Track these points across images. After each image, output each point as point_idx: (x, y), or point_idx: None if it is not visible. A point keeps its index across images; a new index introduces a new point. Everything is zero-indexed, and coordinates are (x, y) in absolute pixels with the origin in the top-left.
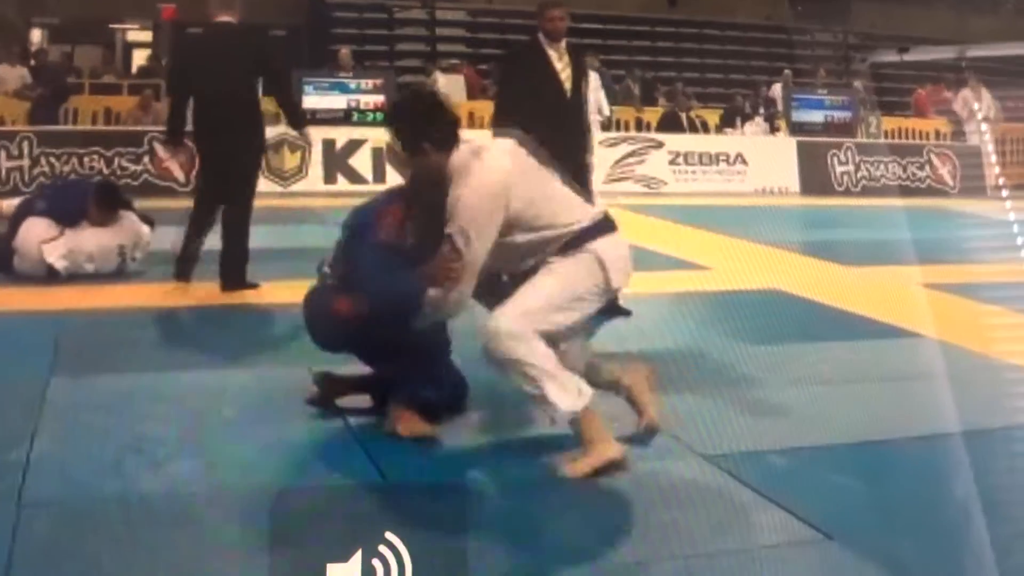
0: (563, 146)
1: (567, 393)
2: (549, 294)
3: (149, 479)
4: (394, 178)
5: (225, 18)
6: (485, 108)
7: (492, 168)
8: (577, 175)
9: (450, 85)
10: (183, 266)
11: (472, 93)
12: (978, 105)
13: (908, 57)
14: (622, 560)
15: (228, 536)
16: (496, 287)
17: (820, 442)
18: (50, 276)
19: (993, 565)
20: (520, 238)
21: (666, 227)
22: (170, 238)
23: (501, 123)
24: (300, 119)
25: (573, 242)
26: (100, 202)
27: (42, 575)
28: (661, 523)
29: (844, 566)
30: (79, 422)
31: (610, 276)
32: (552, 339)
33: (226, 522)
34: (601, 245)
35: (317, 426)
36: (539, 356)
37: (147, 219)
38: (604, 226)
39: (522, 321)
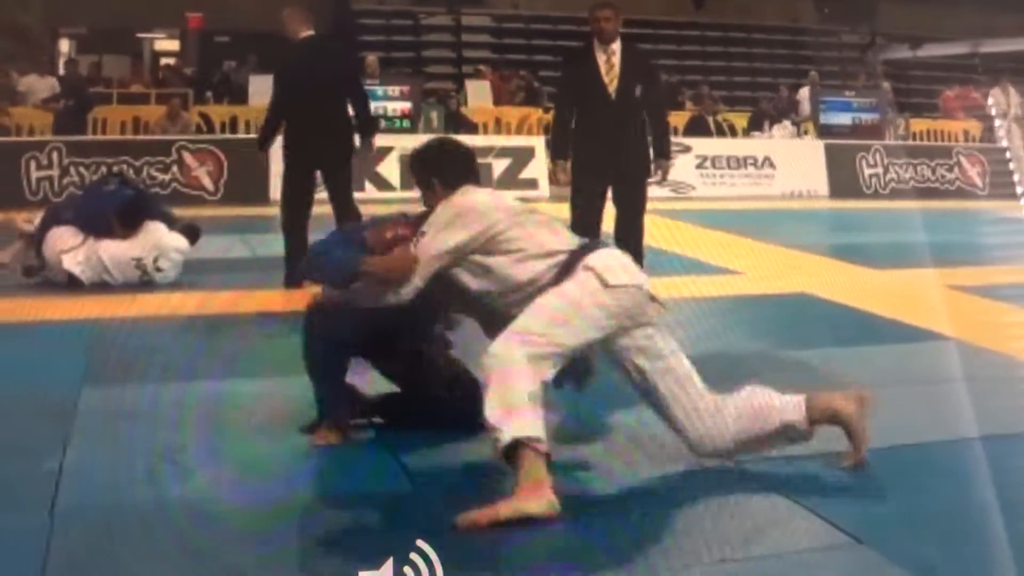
0: (606, 146)
1: (511, 420)
2: (544, 311)
3: (180, 488)
4: None
5: (308, 32)
6: (511, 114)
7: (468, 195)
8: (628, 180)
9: (476, 91)
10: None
11: (498, 99)
12: (1008, 104)
13: (933, 55)
14: (653, 567)
15: (258, 545)
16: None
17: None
18: (71, 284)
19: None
20: (510, 264)
21: (694, 232)
22: (204, 247)
23: (556, 129)
24: (373, 128)
25: (565, 266)
26: (119, 216)
27: None
28: (693, 530)
29: (874, 570)
30: (111, 431)
31: (604, 276)
32: (566, 357)
33: (256, 531)
34: (590, 257)
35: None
36: (512, 378)
37: (193, 229)
38: (594, 245)
39: (516, 341)
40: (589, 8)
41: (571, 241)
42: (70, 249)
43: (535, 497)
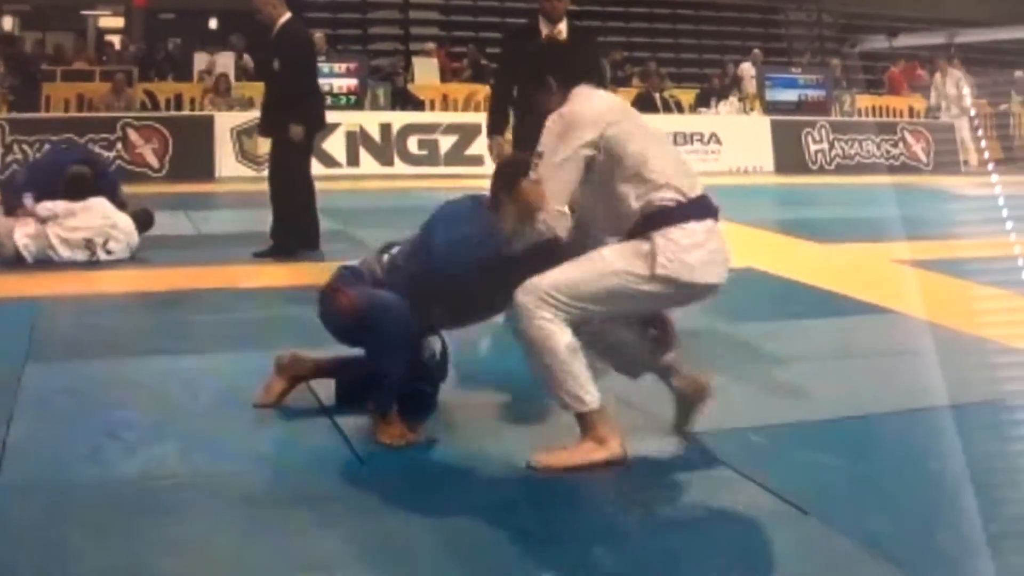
0: None
1: (580, 391)
2: (580, 269)
3: (125, 464)
4: (367, 162)
5: (287, 16)
6: (459, 90)
7: (578, 101)
8: None
9: (423, 68)
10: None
11: (445, 76)
12: (943, 84)
13: (909, 44)
14: (599, 536)
15: (204, 521)
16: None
17: (798, 419)
18: (18, 261)
19: (970, 536)
20: (625, 188)
21: None
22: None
23: (495, 105)
24: None
25: (662, 216)
26: (67, 190)
27: (19, 559)
28: (639, 499)
29: (819, 541)
30: (55, 407)
31: (656, 261)
32: (585, 320)
33: (202, 507)
34: (671, 230)
35: (294, 411)
36: (560, 345)
37: (146, 215)
38: (698, 208)
39: (544, 297)
40: None
41: (691, 185)
42: (19, 224)
43: (603, 448)
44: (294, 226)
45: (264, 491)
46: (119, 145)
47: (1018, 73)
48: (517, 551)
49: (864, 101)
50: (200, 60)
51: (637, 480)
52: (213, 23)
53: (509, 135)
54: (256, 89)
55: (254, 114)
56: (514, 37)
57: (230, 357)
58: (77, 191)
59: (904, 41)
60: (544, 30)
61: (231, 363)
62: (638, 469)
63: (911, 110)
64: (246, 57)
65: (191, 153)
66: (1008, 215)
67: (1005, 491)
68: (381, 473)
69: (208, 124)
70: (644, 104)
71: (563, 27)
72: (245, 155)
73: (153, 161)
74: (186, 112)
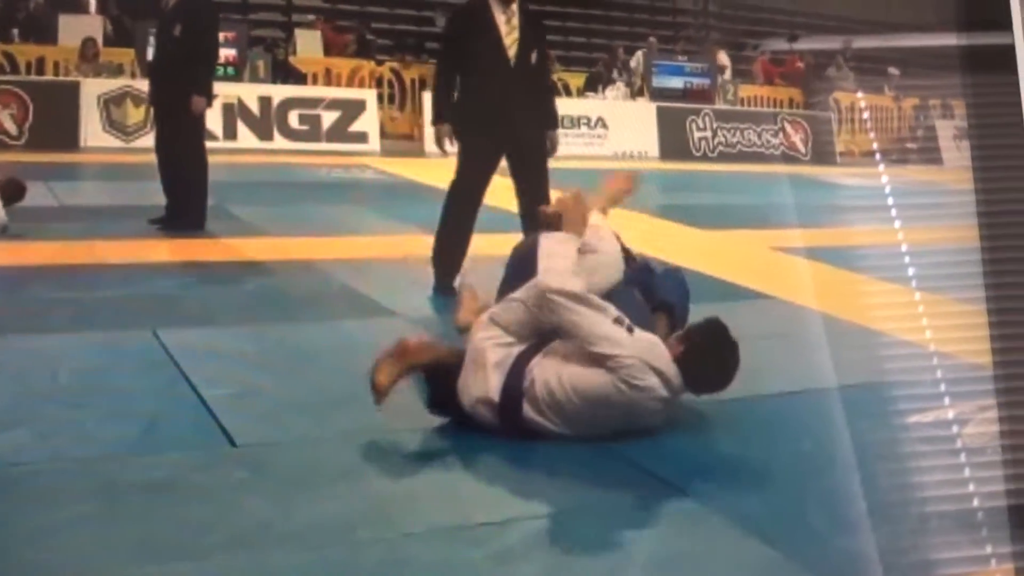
0: (505, 117)
1: None
2: None
3: None
4: (245, 136)
5: None
6: (343, 65)
7: None
8: (527, 151)
9: (306, 40)
10: None
11: (329, 50)
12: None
13: (809, 48)
14: (484, 521)
15: (65, 509)
16: None
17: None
18: None
19: (841, 514)
20: None
21: None
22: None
23: (439, 91)
24: None
25: None
26: None
27: None
28: (515, 478)
29: (697, 521)
30: None
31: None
32: None
33: (62, 494)
34: None
35: (162, 392)
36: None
37: (16, 185)
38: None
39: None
40: None
41: None
42: None
43: None
44: (186, 202)
45: (128, 477)
46: None
47: (891, 69)
48: (380, 548)
49: (747, 91)
50: (67, 22)
51: (516, 458)
52: None
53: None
54: (126, 55)
55: (124, 81)
56: (460, 18)
57: (98, 336)
58: None
59: (804, 44)
60: (497, 12)
61: (98, 343)
62: (518, 448)
63: (791, 101)
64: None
65: (54, 121)
66: (877, 205)
67: (876, 471)
68: (253, 455)
69: (73, 90)
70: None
71: (515, 8)
72: (113, 124)
73: (11, 128)
74: (49, 77)
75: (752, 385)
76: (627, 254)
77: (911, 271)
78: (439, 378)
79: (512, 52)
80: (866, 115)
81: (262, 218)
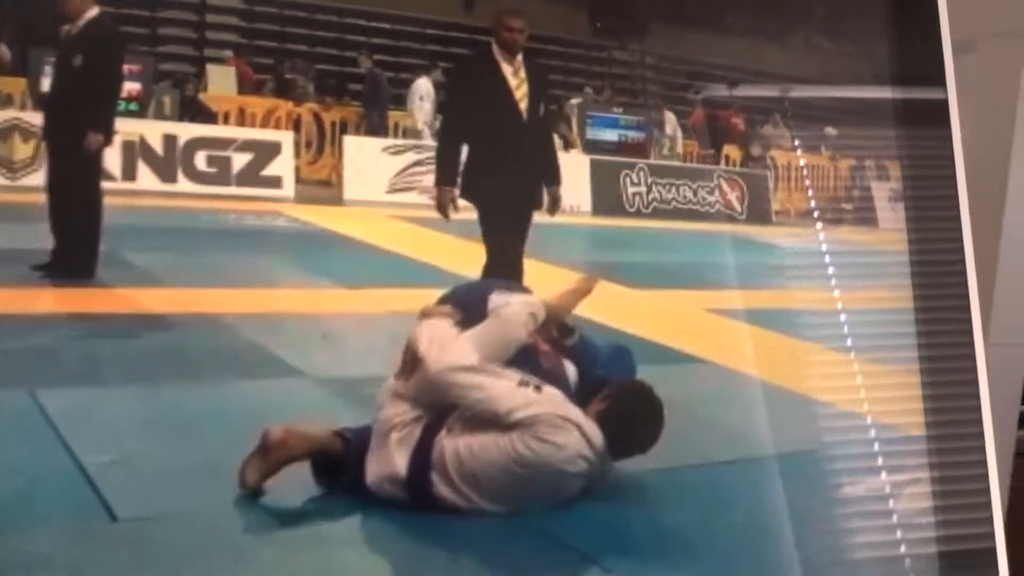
0: (521, 175)
1: None
2: None
3: None
4: (146, 177)
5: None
6: (258, 104)
7: None
8: (531, 202)
9: (219, 77)
10: None
11: (243, 88)
12: (766, 130)
13: (747, 95)
14: None
15: None
16: None
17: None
18: None
19: None
20: None
21: (454, 244)
22: None
23: (445, 149)
24: None
25: None
26: None
27: None
28: (419, 555)
29: None
30: None
31: None
32: None
33: None
34: None
35: (36, 460)
36: None
37: None
38: None
39: None
40: (495, 14)
41: None
42: None
43: None
44: (76, 246)
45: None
46: None
47: (828, 129)
48: None
49: (684, 147)
50: None
51: (427, 533)
52: None
53: None
54: (16, 85)
55: (12, 113)
56: (466, 67)
57: None
58: None
59: (744, 91)
60: (504, 64)
61: None
62: (428, 521)
63: (727, 159)
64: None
65: None
66: (813, 264)
67: (809, 539)
68: (135, 530)
69: None
70: None
71: (520, 59)
72: None
73: None
74: None
75: (681, 453)
76: (562, 329)
77: (847, 334)
78: (325, 465)
79: (524, 106)
80: (804, 173)
81: (161, 267)
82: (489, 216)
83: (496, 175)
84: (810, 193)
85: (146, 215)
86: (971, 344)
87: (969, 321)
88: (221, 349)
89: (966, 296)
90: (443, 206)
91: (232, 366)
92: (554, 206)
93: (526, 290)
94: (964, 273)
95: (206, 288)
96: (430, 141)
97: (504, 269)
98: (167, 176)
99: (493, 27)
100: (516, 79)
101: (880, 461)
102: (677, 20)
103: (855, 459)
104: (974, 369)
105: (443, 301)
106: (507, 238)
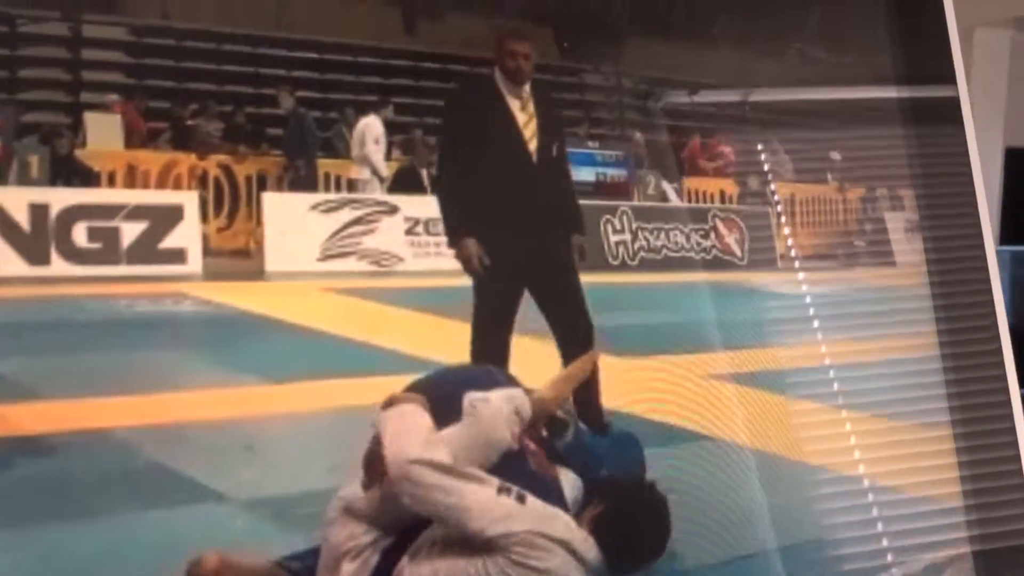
0: (524, 227)
1: None
2: None
3: None
4: (8, 260)
5: None
6: (150, 160)
7: None
8: (554, 265)
9: (101, 127)
10: None
11: (132, 139)
12: (764, 159)
13: (708, 100)
14: None
15: None
16: None
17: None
18: None
19: None
20: None
21: (401, 316)
22: None
23: (448, 193)
24: None
25: None
26: None
27: None
28: None
29: None
30: None
31: None
32: None
33: None
34: None
35: None
36: None
37: None
38: None
39: None
40: (498, 35)
41: None
42: None
43: None
44: None
45: None
46: None
47: (833, 154)
48: None
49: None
50: None
51: None
52: None
53: None
54: None
55: None
56: (463, 103)
57: None
58: None
59: (705, 97)
60: (509, 96)
61: None
62: None
63: (722, 195)
64: None
65: None
66: (828, 315)
67: None
68: None
69: None
70: (407, 182)
71: (528, 89)
72: None
73: None
74: None
75: (691, 551)
76: (553, 425)
77: (876, 394)
78: None
79: (533, 146)
80: (810, 207)
81: (33, 374)
82: (485, 281)
83: (499, 230)
84: (817, 230)
85: (11, 309)
86: (1006, 390)
87: (1002, 366)
88: (117, 473)
89: (997, 339)
90: (471, 260)
91: (133, 493)
92: (580, 257)
93: (511, 379)
94: (994, 314)
95: (93, 397)
96: (375, 195)
97: (492, 350)
98: (37, 257)
99: (495, 53)
100: (524, 114)
101: (920, 539)
102: (657, 34)
103: (898, 537)
104: (1010, 418)
105: (410, 391)
106: (501, 309)
